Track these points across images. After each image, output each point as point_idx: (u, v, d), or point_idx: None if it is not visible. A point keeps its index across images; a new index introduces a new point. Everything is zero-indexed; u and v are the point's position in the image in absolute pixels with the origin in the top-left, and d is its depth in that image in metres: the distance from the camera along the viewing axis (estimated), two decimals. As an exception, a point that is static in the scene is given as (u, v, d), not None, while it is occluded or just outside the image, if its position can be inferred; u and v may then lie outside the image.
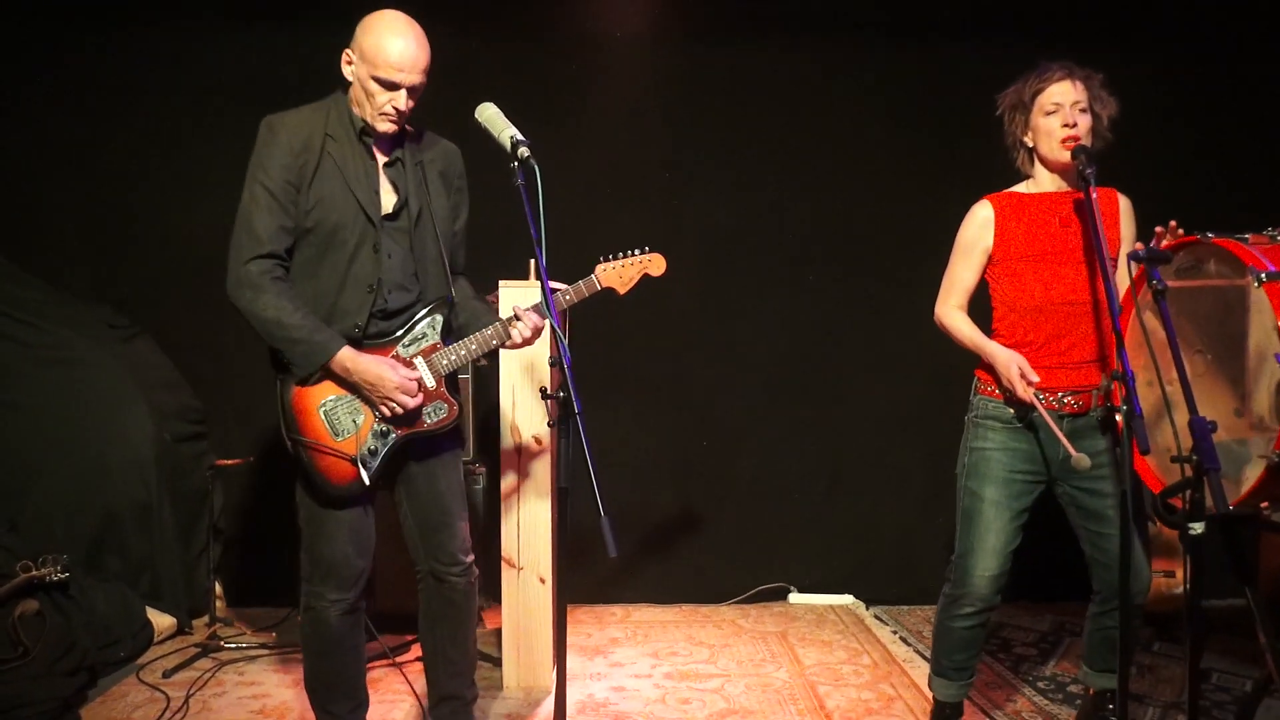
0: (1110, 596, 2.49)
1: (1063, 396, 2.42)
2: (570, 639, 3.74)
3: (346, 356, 2.26)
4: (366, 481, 2.31)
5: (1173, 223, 2.22)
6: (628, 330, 4.10)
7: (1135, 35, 4.07)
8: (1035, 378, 2.34)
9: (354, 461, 2.30)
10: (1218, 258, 2.12)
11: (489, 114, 2.20)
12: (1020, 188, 2.53)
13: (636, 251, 2.49)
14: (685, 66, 4.15)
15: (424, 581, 2.52)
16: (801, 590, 4.26)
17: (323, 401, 2.29)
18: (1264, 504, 2.06)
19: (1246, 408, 2.07)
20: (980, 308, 2.58)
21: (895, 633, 3.82)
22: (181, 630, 3.67)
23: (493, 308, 2.88)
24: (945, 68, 4.11)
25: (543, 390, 2.08)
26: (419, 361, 2.35)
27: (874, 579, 4.24)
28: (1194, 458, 1.73)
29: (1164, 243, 2.22)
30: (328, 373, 2.28)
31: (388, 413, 2.31)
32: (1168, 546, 3.77)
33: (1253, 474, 2.00)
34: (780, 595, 4.25)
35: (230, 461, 3.66)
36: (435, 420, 2.37)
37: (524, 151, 2.10)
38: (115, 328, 3.90)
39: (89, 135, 4.02)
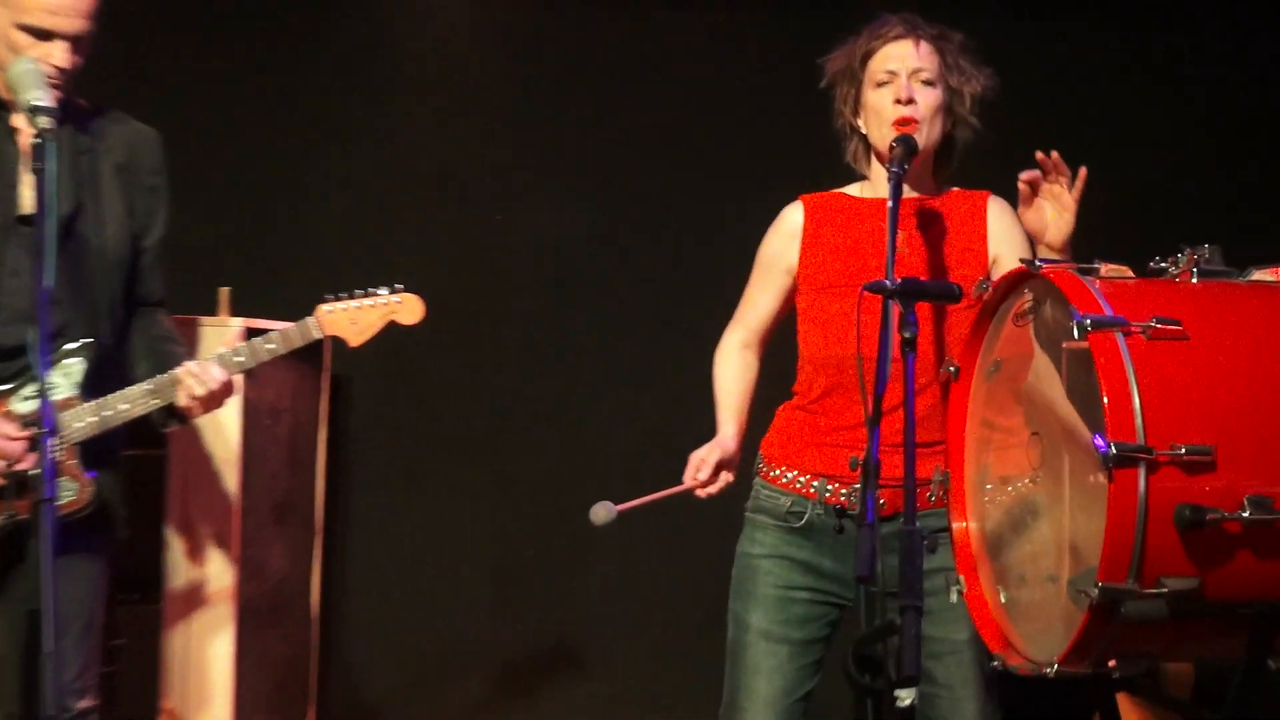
0: None
1: (853, 490, 2.35)
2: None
3: None
4: None
5: (1054, 154, 2.25)
6: (436, 381, 4.06)
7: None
8: (705, 474, 2.37)
9: None
10: (1054, 297, 1.98)
11: (17, 70, 2.24)
12: (852, 189, 2.51)
13: (382, 291, 2.58)
14: (514, 47, 4.17)
15: None
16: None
17: None
18: (1111, 662, 1.88)
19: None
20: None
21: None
22: None
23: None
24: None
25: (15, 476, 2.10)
26: None
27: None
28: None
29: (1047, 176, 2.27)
30: None
31: None
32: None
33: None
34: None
35: None
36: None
37: (44, 122, 2.13)
38: None
39: None
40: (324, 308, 2.56)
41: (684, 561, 4.08)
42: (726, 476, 2.42)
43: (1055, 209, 2.31)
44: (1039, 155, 2.30)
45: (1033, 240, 2.37)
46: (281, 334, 2.52)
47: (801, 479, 2.40)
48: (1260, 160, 4.06)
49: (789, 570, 2.38)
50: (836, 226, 2.43)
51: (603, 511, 2.41)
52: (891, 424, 2.24)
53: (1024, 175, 2.31)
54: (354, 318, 2.56)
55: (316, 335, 2.55)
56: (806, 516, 2.39)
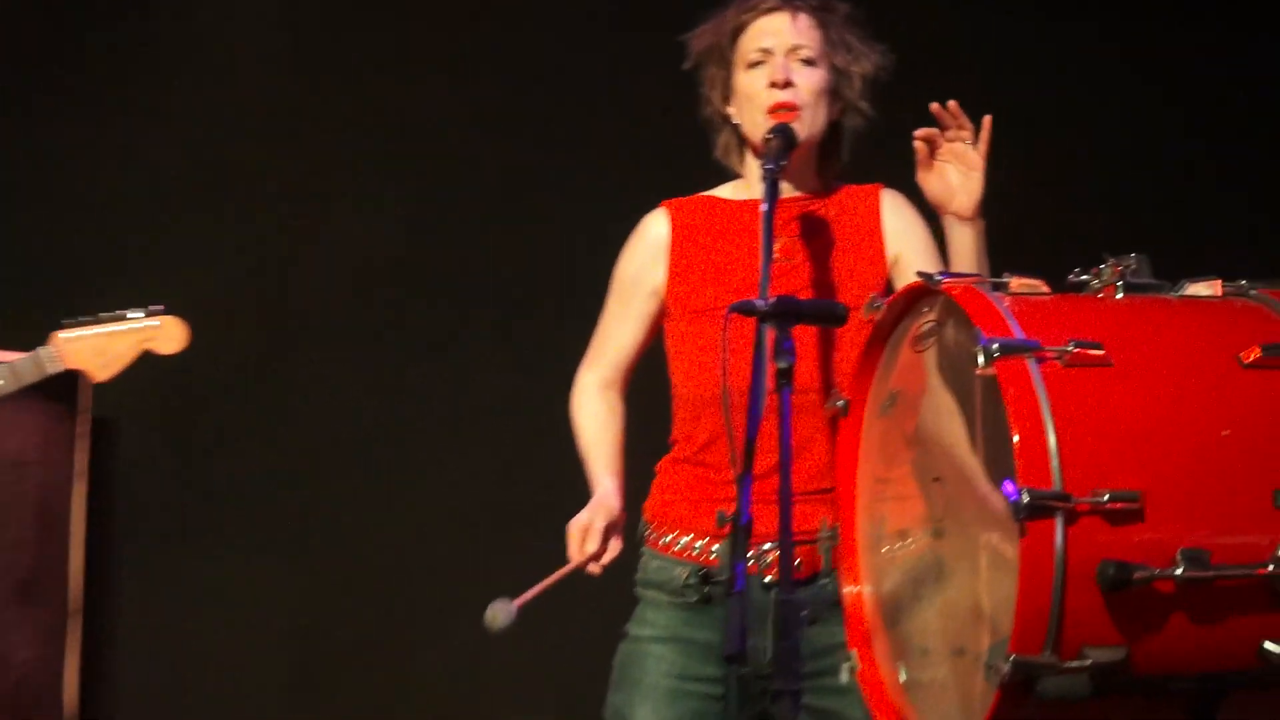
0: None
1: (764, 551, 2.27)
2: None
3: None
4: None
5: (952, 103, 2.29)
6: (224, 424, 3.96)
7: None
8: (594, 545, 2.28)
9: None
10: (956, 317, 1.98)
11: None
12: (723, 190, 2.52)
13: (135, 313, 2.58)
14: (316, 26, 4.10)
15: None
16: None
17: None
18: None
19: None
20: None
21: None
22: None
23: None
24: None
25: None
26: None
27: None
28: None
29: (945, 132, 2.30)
30: None
31: None
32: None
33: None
34: None
35: None
36: None
37: None
38: None
39: None
40: (63, 335, 2.53)
41: (547, 646, 3.93)
42: (616, 544, 2.35)
43: (960, 170, 2.32)
44: (934, 107, 2.31)
45: (939, 212, 2.38)
46: (10, 368, 2.48)
47: (698, 544, 2.37)
48: (1207, 164, 4.22)
49: (684, 657, 2.35)
50: (708, 237, 2.43)
51: (501, 614, 2.23)
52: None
53: (919, 133, 2.32)
54: (100, 347, 2.53)
55: (54, 369, 2.51)
56: (706, 589, 2.35)
